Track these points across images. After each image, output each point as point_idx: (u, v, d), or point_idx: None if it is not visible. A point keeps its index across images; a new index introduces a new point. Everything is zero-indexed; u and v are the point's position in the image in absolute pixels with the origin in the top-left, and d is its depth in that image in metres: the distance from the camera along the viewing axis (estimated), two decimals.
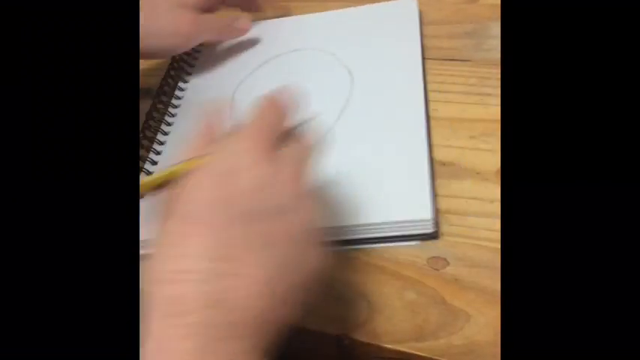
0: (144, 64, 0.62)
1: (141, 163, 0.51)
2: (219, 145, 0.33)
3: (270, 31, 0.60)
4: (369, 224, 0.41)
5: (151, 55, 0.56)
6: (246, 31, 0.58)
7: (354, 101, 0.50)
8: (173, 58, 0.59)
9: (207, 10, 0.56)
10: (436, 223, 0.41)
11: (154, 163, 0.51)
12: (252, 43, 0.60)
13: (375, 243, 0.42)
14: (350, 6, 0.62)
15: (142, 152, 0.51)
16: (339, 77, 0.53)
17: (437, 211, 0.42)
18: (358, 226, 0.41)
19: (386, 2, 0.58)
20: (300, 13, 0.62)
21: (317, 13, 0.61)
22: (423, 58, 0.52)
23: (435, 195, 0.43)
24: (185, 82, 0.58)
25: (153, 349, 0.27)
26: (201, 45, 0.60)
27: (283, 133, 0.34)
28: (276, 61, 0.57)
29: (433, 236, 0.41)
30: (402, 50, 0.53)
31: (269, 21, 0.62)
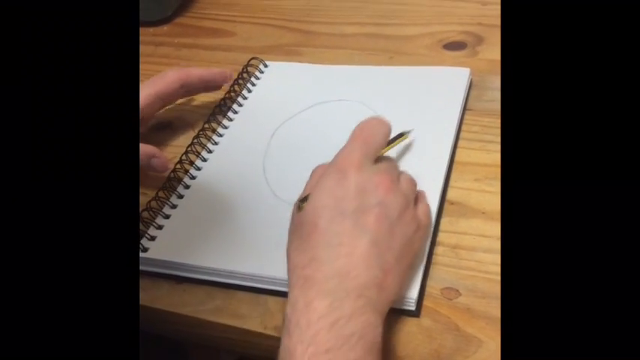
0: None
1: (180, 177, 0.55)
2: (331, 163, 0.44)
3: (325, 76, 0.63)
4: None
5: None
6: (162, 171, 0.55)
7: None
8: (226, 94, 0.62)
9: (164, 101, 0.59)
10: (419, 302, 0.43)
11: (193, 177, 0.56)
12: (305, 85, 0.63)
13: None
14: (354, 53, 0.67)
15: (180, 174, 0.55)
16: None
17: (423, 293, 0.44)
18: None
19: (439, 67, 0.60)
20: (312, 58, 0.67)
21: (372, 67, 0.63)
22: (458, 134, 0.54)
23: (426, 276, 0.44)
24: (230, 119, 0.61)
25: (300, 307, 0.37)
26: (253, 85, 0.64)
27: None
28: (321, 107, 0.60)
29: (414, 314, 0.43)
30: (438, 124, 0.54)
31: (326, 66, 0.64)
